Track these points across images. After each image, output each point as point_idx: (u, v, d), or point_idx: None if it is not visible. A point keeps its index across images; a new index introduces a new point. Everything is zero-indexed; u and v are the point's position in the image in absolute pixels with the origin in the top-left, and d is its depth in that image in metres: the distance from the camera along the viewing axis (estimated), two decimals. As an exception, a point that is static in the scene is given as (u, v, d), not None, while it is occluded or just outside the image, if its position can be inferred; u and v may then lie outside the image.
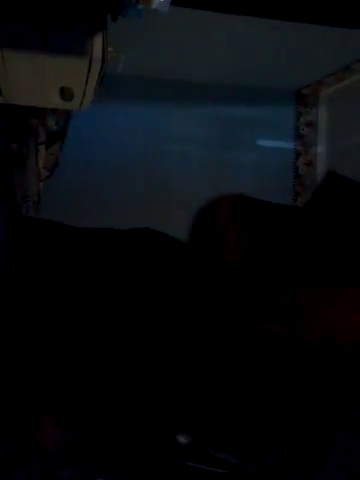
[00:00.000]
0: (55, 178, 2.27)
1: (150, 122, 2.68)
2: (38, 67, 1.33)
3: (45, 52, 1.27)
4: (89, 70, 1.32)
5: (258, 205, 0.73)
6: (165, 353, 0.62)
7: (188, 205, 2.90)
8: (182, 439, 0.57)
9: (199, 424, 0.57)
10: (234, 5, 1.65)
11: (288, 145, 2.88)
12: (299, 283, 0.58)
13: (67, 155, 2.25)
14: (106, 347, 0.64)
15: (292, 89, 2.83)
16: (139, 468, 0.59)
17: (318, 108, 2.87)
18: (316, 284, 0.58)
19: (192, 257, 0.74)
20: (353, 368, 0.53)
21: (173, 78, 2.62)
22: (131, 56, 1.51)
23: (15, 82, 1.39)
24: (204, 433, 0.57)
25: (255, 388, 0.56)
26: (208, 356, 0.61)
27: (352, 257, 0.58)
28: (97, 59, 1.30)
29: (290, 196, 2.87)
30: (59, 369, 0.65)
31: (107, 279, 0.71)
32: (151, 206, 2.65)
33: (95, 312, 0.68)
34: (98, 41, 1.30)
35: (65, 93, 1.41)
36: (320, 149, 2.87)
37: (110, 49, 1.38)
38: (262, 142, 2.92)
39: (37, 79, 1.39)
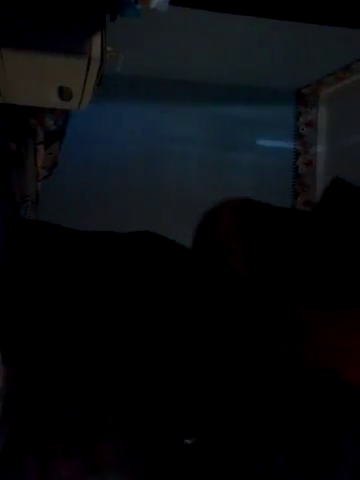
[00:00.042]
0: (54, 178, 2.27)
1: (149, 122, 2.68)
2: (37, 67, 1.32)
3: (44, 52, 1.26)
4: (88, 70, 1.31)
5: (263, 210, 0.72)
6: (169, 357, 0.62)
7: (188, 205, 2.92)
8: (189, 442, 0.57)
9: (206, 427, 0.57)
10: (234, 5, 1.65)
11: (288, 145, 2.88)
12: (303, 298, 0.57)
13: (66, 155, 2.25)
14: (108, 352, 0.64)
15: (292, 89, 2.83)
16: (146, 471, 0.59)
17: (318, 108, 2.87)
18: (321, 302, 0.57)
19: (192, 262, 0.73)
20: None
21: (172, 78, 2.62)
22: (130, 56, 1.51)
23: (14, 82, 1.39)
24: (211, 436, 0.56)
25: (261, 392, 0.56)
26: (213, 359, 0.61)
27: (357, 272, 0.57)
28: (96, 59, 1.29)
29: (290, 196, 2.87)
30: (59, 376, 0.64)
31: (106, 283, 0.70)
32: (151, 206, 2.65)
33: (95, 316, 0.67)
34: (97, 41, 1.29)
35: (64, 93, 1.41)
36: (320, 149, 2.87)
37: (109, 49, 1.37)
38: (262, 142, 2.92)
39: (36, 79, 1.39)
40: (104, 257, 0.75)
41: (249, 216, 0.70)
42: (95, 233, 0.81)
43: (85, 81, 1.36)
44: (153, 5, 1.20)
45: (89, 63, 1.30)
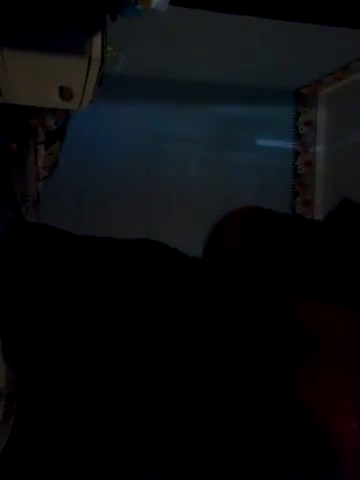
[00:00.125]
0: (54, 178, 2.27)
1: (149, 122, 2.68)
2: (37, 67, 1.33)
3: (44, 52, 1.27)
4: (88, 70, 1.32)
5: (272, 220, 0.72)
6: (165, 360, 0.62)
7: (188, 204, 2.93)
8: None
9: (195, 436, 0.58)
10: (234, 5, 1.65)
11: (287, 145, 2.89)
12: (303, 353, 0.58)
13: (66, 155, 2.25)
14: (107, 354, 0.65)
15: (291, 89, 2.83)
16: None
17: (317, 108, 2.88)
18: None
19: (194, 271, 0.74)
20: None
21: (172, 78, 2.62)
22: (130, 56, 1.51)
23: (14, 82, 1.39)
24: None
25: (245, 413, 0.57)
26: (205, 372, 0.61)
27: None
28: (96, 59, 1.29)
29: (289, 195, 2.87)
30: (60, 376, 0.65)
31: (106, 290, 0.70)
32: (151, 206, 2.65)
33: (94, 318, 0.68)
34: (97, 41, 1.30)
35: (64, 93, 1.41)
36: (319, 149, 2.88)
37: (109, 49, 1.38)
38: (261, 142, 2.92)
39: (36, 79, 1.39)
40: (104, 264, 0.75)
41: (256, 226, 0.70)
42: (95, 238, 0.81)
43: (86, 81, 1.36)
44: (153, 5, 1.21)
45: (90, 63, 1.30)
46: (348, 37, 1.92)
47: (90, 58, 1.29)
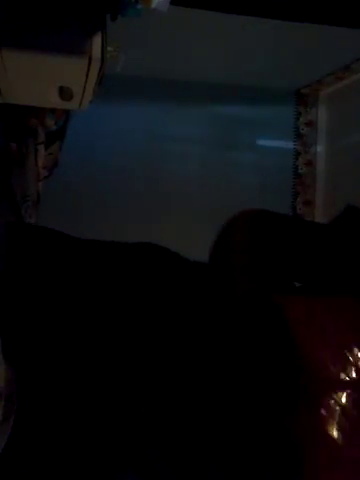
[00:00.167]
0: (54, 178, 2.27)
1: (149, 122, 2.68)
2: (37, 67, 1.32)
3: (44, 52, 1.27)
4: (88, 70, 1.32)
5: (276, 223, 0.72)
6: (164, 361, 0.62)
7: (188, 204, 2.92)
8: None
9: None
10: (234, 5, 1.65)
11: (288, 145, 2.88)
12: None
13: (66, 155, 2.25)
14: (106, 355, 0.65)
15: (292, 89, 2.83)
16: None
17: (318, 108, 2.87)
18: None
19: (195, 275, 0.74)
20: None
21: (172, 78, 2.62)
22: (130, 56, 1.51)
23: (14, 82, 1.39)
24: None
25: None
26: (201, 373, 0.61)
27: None
28: (96, 59, 1.29)
29: (290, 195, 2.87)
30: (59, 377, 0.65)
31: (105, 292, 0.70)
32: (151, 206, 2.65)
33: (92, 318, 0.68)
34: (97, 41, 1.29)
35: (64, 93, 1.41)
36: (320, 148, 2.88)
37: (109, 49, 1.38)
38: (262, 142, 2.92)
39: (36, 79, 1.39)
40: (105, 268, 0.75)
41: (260, 229, 0.70)
42: (97, 242, 0.81)
43: (86, 81, 1.36)
44: (153, 5, 1.20)
45: (90, 63, 1.30)
46: (348, 37, 1.92)
47: (90, 58, 1.29)
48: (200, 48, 2.19)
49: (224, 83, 2.67)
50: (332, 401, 0.51)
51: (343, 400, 0.52)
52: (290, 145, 2.88)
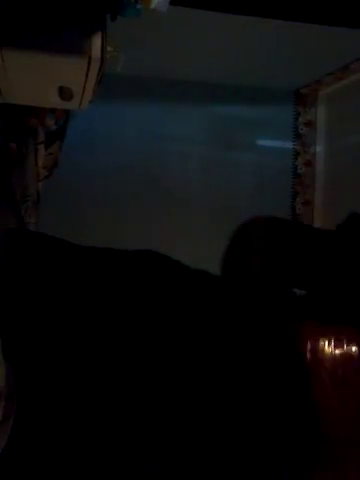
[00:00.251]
0: (54, 178, 2.27)
1: (149, 122, 2.68)
2: (37, 67, 1.32)
3: (44, 52, 1.27)
4: (88, 70, 1.32)
5: (284, 230, 0.72)
6: (165, 363, 0.62)
7: (187, 204, 2.91)
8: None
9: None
10: (234, 5, 1.65)
11: (287, 145, 2.89)
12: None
13: (66, 155, 2.25)
14: (105, 356, 0.65)
15: (291, 89, 2.83)
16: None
17: (317, 108, 2.88)
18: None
19: (195, 284, 0.74)
20: None
21: (172, 78, 2.62)
22: (130, 56, 1.51)
23: (14, 81, 1.39)
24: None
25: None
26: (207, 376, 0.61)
27: None
28: (96, 59, 1.29)
29: (289, 195, 2.87)
30: (59, 377, 0.65)
31: (106, 300, 0.70)
32: (151, 206, 2.65)
33: (93, 324, 0.68)
34: (97, 41, 1.29)
35: (64, 93, 1.41)
36: (319, 149, 2.88)
37: (109, 49, 1.38)
38: (261, 142, 2.92)
39: (36, 79, 1.39)
40: (105, 276, 0.75)
41: (275, 235, 0.71)
42: (97, 249, 0.81)
43: (85, 81, 1.36)
44: (153, 5, 1.21)
45: (89, 63, 1.30)
46: (348, 37, 1.92)
47: (90, 58, 1.29)
48: (200, 48, 2.19)
49: (224, 83, 2.67)
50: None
51: None
52: (289, 145, 2.88)
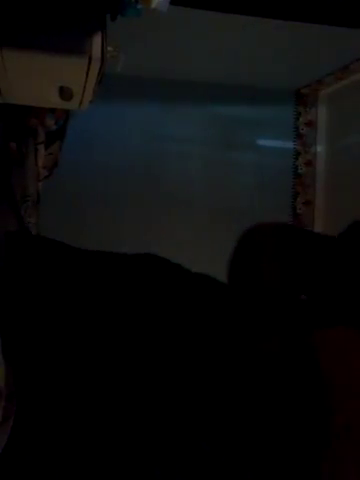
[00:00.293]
0: (54, 178, 2.27)
1: (149, 122, 2.68)
2: (37, 67, 1.32)
3: (44, 52, 1.27)
4: (88, 70, 1.32)
5: (292, 236, 0.72)
6: (165, 365, 0.62)
7: (187, 204, 2.91)
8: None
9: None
10: (234, 5, 1.65)
11: (287, 145, 2.88)
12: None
13: (66, 155, 2.25)
14: (105, 357, 0.64)
15: (291, 89, 2.83)
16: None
17: (317, 108, 2.88)
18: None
19: (194, 287, 0.74)
20: None
21: (172, 78, 2.62)
22: (131, 56, 1.51)
23: (14, 81, 1.39)
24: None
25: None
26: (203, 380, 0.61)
27: None
28: (96, 59, 1.29)
29: (289, 195, 2.87)
30: (59, 378, 0.65)
31: (106, 302, 0.70)
32: (151, 206, 2.65)
33: (92, 325, 0.68)
34: (97, 41, 1.29)
35: (64, 93, 1.41)
36: (320, 148, 2.88)
37: (109, 49, 1.38)
38: (262, 142, 2.92)
39: (36, 79, 1.39)
40: (105, 279, 0.75)
41: (280, 243, 0.71)
42: (97, 253, 0.81)
43: (86, 81, 1.36)
44: (153, 5, 1.20)
45: (90, 63, 1.30)
46: (349, 37, 1.92)
47: (90, 58, 1.29)
48: (200, 48, 2.19)
49: (224, 83, 2.67)
50: None
51: None
52: (290, 145, 2.88)
